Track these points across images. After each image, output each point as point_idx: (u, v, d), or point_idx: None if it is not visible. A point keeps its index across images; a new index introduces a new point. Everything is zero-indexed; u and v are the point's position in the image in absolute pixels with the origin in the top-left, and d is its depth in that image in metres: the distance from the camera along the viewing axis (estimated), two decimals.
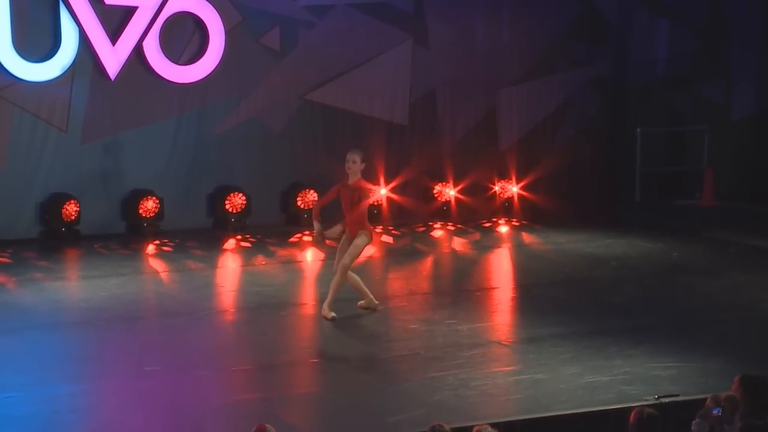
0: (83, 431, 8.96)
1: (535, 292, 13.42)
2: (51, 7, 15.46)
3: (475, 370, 10.45)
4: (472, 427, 7.81)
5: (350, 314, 12.07)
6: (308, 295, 13.44)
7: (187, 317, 12.13)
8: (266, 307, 12.55)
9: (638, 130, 18.64)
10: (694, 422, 8.01)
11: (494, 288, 14.02)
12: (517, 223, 17.28)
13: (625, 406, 9.05)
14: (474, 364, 10.64)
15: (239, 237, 16.06)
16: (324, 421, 9.30)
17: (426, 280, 14.42)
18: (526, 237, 16.50)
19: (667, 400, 9.45)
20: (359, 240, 12.00)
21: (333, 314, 11.80)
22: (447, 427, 7.62)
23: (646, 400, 9.28)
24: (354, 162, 12.07)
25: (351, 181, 12.09)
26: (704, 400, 8.08)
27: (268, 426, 7.39)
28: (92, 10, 15.51)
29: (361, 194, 12.07)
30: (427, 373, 10.37)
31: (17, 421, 8.89)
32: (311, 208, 16.58)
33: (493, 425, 7.59)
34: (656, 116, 18.97)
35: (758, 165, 18.63)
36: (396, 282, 13.94)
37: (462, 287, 13.67)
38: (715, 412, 7.97)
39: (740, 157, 18.94)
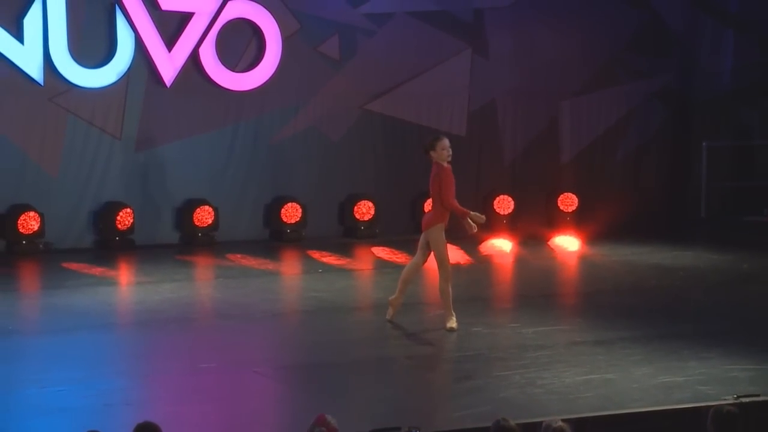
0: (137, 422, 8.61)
1: (601, 299, 12.99)
2: (107, 13, 15.31)
3: (542, 369, 10.06)
4: (541, 422, 7.45)
5: (411, 317, 11.69)
6: (367, 300, 13.11)
7: (242, 318, 11.85)
8: (324, 310, 12.23)
9: (704, 143, 18.16)
10: None
11: (557, 294, 13.61)
12: (578, 236, 16.83)
13: (703, 404, 8.60)
14: (540, 364, 10.25)
15: (296, 247, 15.72)
16: (385, 417, 8.89)
17: (487, 287, 14.02)
18: (588, 249, 16.05)
19: (747, 399, 8.98)
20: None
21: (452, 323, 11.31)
22: (512, 421, 7.26)
23: (725, 399, 8.82)
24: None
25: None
26: None
27: (328, 416, 7.04)
28: (148, 15, 15.35)
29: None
30: (491, 372, 10.01)
31: (70, 413, 8.64)
32: (369, 221, 16.37)
33: (564, 421, 7.20)
34: (723, 129, 18.49)
35: None
36: (456, 289, 13.49)
37: (524, 293, 13.27)
38: None
39: None
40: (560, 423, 7.22)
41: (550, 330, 11.58)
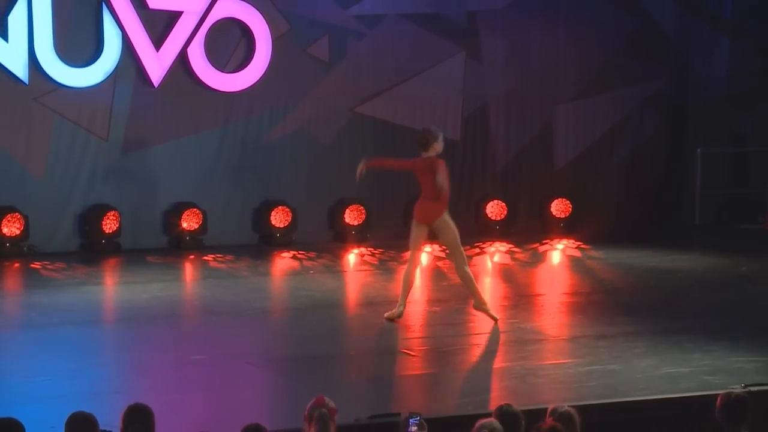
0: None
1: (600, 298, 12.74)
2: (94, 11, 15.00)
3: (543, 361, 9.86)
4: (545, 409, 7.19)
5: (406, 311, 11.40)
6: (359, 298, 12.84)
7: (232, 315, 11.58)
8: (316, 307, 11.94)
9: (698, 150, 17.93)
10: None
11: (554, 294, 13.34)
12: (573, 241, 16.55)
13: (711, 393, 8.31)
14: (541, 356, 10.05)
15: (285, 251, 15.41)
16: (383, 405, 8.59)
17: (484, 288, 13.70)
18: (584, 253, 15.76)
19: (755, 388, 8.71)
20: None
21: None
22: (516, 407, 6.99)
23: (733, 388, 8.55)
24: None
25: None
26: None
27: (326, 398, 6.75)
28: (136, 14, 15.05)
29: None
30: (491, 364, 9.76)
31: (58, 401, 8.30)
32: (359, 225, 16.09)
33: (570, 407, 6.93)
34: (717, 136, 18.27)
35: None
36: (453, 288, 13.21)
37: (522, 293, 12.98)
38: None
39: None
40: (567, 408, 6.97)
41: (549, 325, 11.36)
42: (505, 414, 6.80)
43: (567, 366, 9.63)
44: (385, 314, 11.13)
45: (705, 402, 8.15)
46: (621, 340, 10.48)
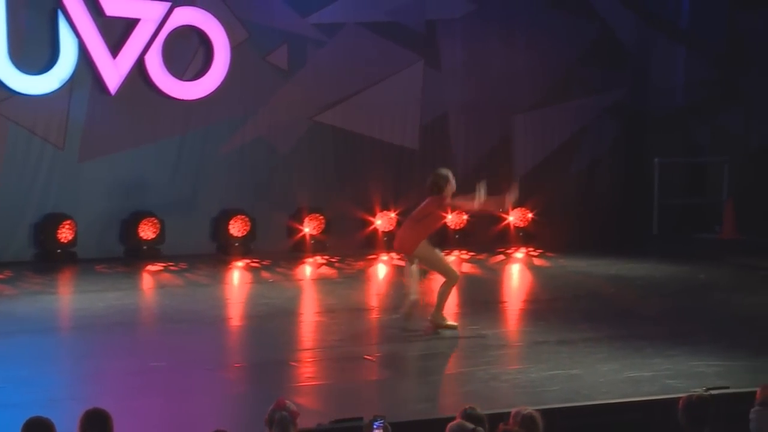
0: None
1: (561, 305, 12.73)
2: (49, 18, 14.85)
3: (506, 366, 9.78)
4: (509, 412, 7.14)
5: (365, 319, 11.34)
6: (320, 305, 12.74)
7: (192, 323, 11.44)
8: (276, 315, 11.82)
9: (656, 160, 17.99)
10: (753, 410, 7.31)
11: (515, 301, 13.32)
12: (533, 250, 16.54)
13: (673, 396, 8.29)
14: (503, 361, 9.99)
15: (244, 261, 15.28)
16: (347, 409, 8.50)
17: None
18: (544, 262, 15.78)
19: (716, 392, 8.69)
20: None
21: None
22: (479, 410, 6.94)
23: (694, 391, 8.53)
24: None
25: None
26: (756, 393, 7.37)
27: (287, 401, 6.66)
28: (92, 21, 14.91)
29: None
30: (453, 369, 9.69)
31: (14, 409, 8.10)
32: (318, 236, 16.00)
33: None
34: (674, 146, 18.34)
35: None
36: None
37: (483, 300, 12.90)
38: None
39: (761, 189, 18.24)
40: (531, 410, 6.93)
41: (511, 331, 11.33)
42: (469, 417, 6.73)
43: (529, 371, 9.57)
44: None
45: (667, 405, 8.14)
46: (582, 346, 10.45)
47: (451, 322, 10.96)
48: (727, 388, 8.81)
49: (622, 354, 10.11)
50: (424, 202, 11.10)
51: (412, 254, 10.92)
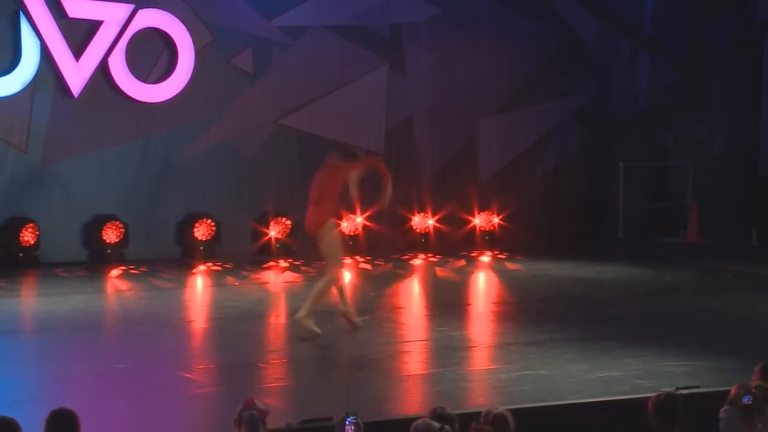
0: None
1: (528, 307, 12.69)
2: (11, 19, 14.69)
3: (474, 366, 9.74)
4: (479, 412, 7.09)
5: (332, 322, 11.25)
6: (285, 308, 12.65)
7: (157, 325, 11.33)
8: (241, 318, 11.72)
9: (621, 164, 18.01)
10: (722, 409, 7.27)
11: (482, 303, 13.29)
12: (498, 254, 16.50)
13: (644, 395, 8.25)
14: (472, 362, 9.98)
15: (209, 264, 15.15)
16: (314, 410, 8.42)
17: (410, 298, 13.64)
18: (510, 265, 15.74)
19: (686, 391, 8.67)
20: None
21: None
22: (449, 410, 6.87)
23: (665, 391, 8.50)
24: None
25: None
26: (726, 392, 7.34)
27: (256, 400, 6.57)
28: (55, 23, 14.76)
29: None
30: (422, 370, 9.62)
31: None
32: (284, 239, 15.90)
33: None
34: (639, 150, 18.37)
35: (739, 201, 18.03)
36: (378, 299, 13.06)
37: (449, 302, 12.85)
38: (745, 399, 7.23)
39: (724, 194, 18.30)
40: (502, 410, 6.87)
41: (478, 332, 11.31)
42: (439, 417, 6.66)
43: (499, 371, 9.54)
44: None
45: (638, 404, 8.10)
46: (551, 347, 10.42)
47: (316, 328, 10.57)
48: (697, 387, 8.80)
49: (592, 354, 10.08)
50: (319, 176, 10.86)
51: (318, 234, 10.66)
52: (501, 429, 6.60)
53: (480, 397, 8.81)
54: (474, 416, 7.27)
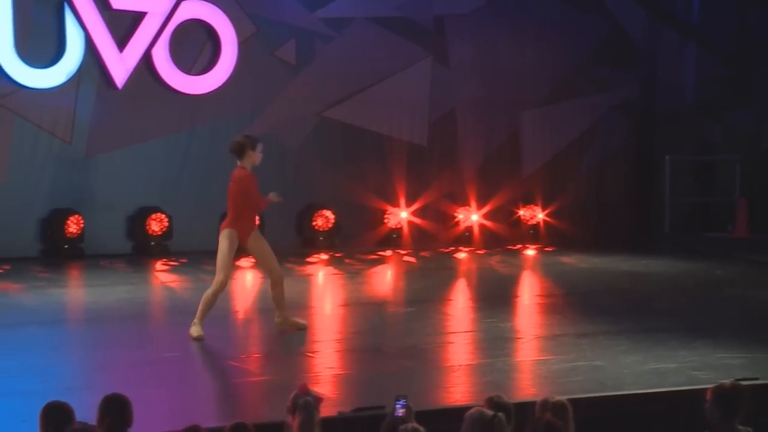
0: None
1: (576, 299, 12.52)
2: (56, 11, 14.68)
3: (525, 357, 9.60)
4: (532, 402, 6.98)
5: (379, 312, 11.17)
6: (333, 299, 12.52)
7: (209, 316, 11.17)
8: (288, 309, 11.57)
9: (666, 158, 17.80)
10: None
11: (530, 295, 13.14)
12: (543, 247, 16.34)
13: (701, 387, 8.10)
14: (523, 353, 9.83)
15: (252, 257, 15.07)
16: (363, 399, 8.32)
17: (456, 290, 13.51)
18: (557, 258, 15.55)
19: (746, 383, 8.51)
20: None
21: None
22: (506, 399, 6.77)
23: (724, 382, 8.34)
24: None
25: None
26: None
27: (310, 388, 6.48)
28: (99, 14, 14.73)
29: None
30: (472, 360, 9.50)
31: (30, 396, 7.92)
32: (328, 231, 15.82)
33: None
34: (685, 144, 18.16)
35: None
36: (425, 291, 12.95)
37: (495, 295, 12.71)
38: None
39: None
40: (560, 398, 6.77)
41: (527, 324, 11.18)
42: (496, 405, 6.56)
43: (550, 362, 9.39)
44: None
45: (695, 396, 7.95)
46: (602, 338, 10.28)
47: (301, 321, 10.39)
48: (756, 379, 8.65)
49: (645, 346, 9.92)
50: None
51: (247, 245, 10.26)
52: (561, 417, 6.48)
53: (531, 387, 8.68)
54: (527, 406, 7.17)
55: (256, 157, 10.47)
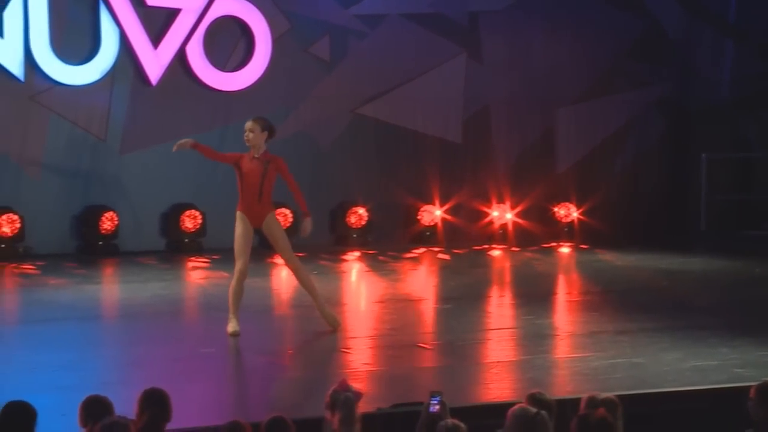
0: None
1: (614, 297, 12.43)
2: (91, 8, 14.66)
3: (565, 354, 9.51)
4: (573, 399, 6.91)
5: (415, 309, 11.10)
6: (366, 296, 12.46)
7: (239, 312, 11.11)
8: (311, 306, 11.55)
9: (703, 155, 17.64)
10: None
11: (567, 293, 13.05)
12: (579, 245, 16.22)
13: (744, 384, 7.99)
14: (562, 349, 9.75)
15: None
16: (400, 395, 8.25)
17: (493, 287, 13.44)
18: (593, 256, 15.43)
19: None
20: (278, 225, 10.57)
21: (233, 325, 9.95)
22: (547, 395, 6.70)
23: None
24: (252, 131, 10.42)
25: (258, 153, 10.52)
26: None
27: (350, 384, 6.44)
28: (134, 11, 14.71)
29: (280, 166, 10.52)
30: (511, 356, 9.42)
31: (68, 391, 7.98)
32: (361, 228, 15.77)
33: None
34: (721, 141, 17.98)
35: None
36: (461, 288, 12.87)
37: (532, 292, 12.61)
38: None
39: None
40: (608, 395, 6.70)
41: (565, 321, 11.11)
42: (537, 402, 6.49)
43: (589, 359, 9.31)
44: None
45: (738, 394, 7.86)
46: (642, 336, 10.19)
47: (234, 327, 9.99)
48: None
49: (686, 344, 9.83)
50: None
51: (262, 230, 10.40)
52: (611, 414, 6.40)
53: (571, 384, 8.61)
54: (567, 402, 7.09)
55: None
